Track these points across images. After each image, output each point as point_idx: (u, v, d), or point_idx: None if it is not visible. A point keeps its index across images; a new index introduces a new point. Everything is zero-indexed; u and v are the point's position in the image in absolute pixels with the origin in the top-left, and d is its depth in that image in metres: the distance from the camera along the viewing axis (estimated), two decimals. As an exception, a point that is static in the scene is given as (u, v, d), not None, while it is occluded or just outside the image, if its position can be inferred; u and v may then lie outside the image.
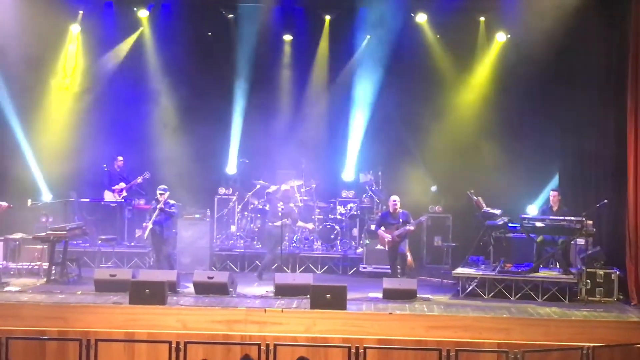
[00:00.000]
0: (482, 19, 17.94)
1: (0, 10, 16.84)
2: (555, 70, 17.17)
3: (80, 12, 18.28)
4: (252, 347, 11.83)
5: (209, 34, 18.94)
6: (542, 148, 17.68)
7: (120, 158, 18.47)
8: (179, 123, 18.72)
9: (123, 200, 18.17)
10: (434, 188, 18.37)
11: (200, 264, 16.82)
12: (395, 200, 15.80)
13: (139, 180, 18.10)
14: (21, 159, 17.86)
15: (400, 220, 15.72)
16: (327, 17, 18.56)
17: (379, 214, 16.85)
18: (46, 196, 17.81)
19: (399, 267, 15.81)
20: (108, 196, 18.25)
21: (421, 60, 18.38)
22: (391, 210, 15.85)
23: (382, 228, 15.82)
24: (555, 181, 17.10)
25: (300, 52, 18.98)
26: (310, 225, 17.35)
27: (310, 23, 18.74)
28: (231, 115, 19.12)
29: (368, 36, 18.72)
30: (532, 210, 16.78)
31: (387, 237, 15.66)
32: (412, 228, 15.80)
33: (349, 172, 18.94)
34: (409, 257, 16.10)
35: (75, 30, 18.46)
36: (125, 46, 18.76)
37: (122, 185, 18.26)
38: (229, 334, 12.58)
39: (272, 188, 17.24)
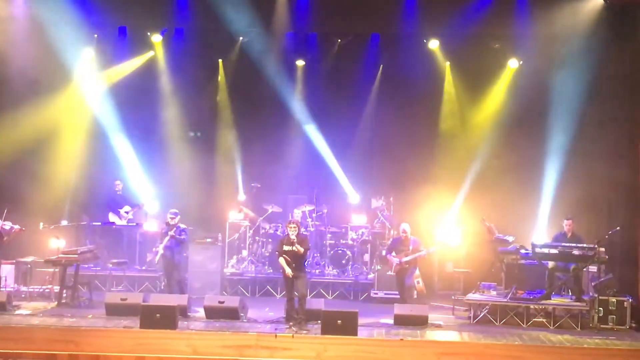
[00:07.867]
0: (496, 45, 17.98)
1: (16, 34, 17.10)
2: (567, 95, 17.11)
3: (95, 35, 18.45)
4: (263, 372, 11.82)
5: (220, 60, 19.06)
6: (554, 174, 17.61)
7: (117, 182, 18.57)
8: (191, 147, 18.85)
9: (128, 223, 18.25)
10: (450, 218, 18.16)
11: (211, 289, 16.77)
12: (404, 229, 15.79)
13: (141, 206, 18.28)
14: (37, 182, 17.89)
15: (411, 247, 15.68)
16: (339, 42, 18.63)
17: (391, 239, 16.81)
18: (59, 220, 17.80)
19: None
20: (112, 218, 18.34)
21: (433, 86, 18.46)
22: (402, 238, 15.84)
23: (393, 253, 15.82)
24: (568, 208, 16.97)
25: (312, 77, 19.01)
26: None
27: (323, 48, 18.84)
28: (243, 140, 19.21)
29: (382, 65, 18.84)
30: (541, 237, 16.65)
31: (395, 261, 15.64)
32: (423, 254, 15.75)
33: (355, 195, 18.90)
34: (421, 284, 15.95)
35: (89, 54, 18.60)
36: (137, 71, 18.89)
37: (128, 208, 18.35)
38: (240, 359, 12.53)
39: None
